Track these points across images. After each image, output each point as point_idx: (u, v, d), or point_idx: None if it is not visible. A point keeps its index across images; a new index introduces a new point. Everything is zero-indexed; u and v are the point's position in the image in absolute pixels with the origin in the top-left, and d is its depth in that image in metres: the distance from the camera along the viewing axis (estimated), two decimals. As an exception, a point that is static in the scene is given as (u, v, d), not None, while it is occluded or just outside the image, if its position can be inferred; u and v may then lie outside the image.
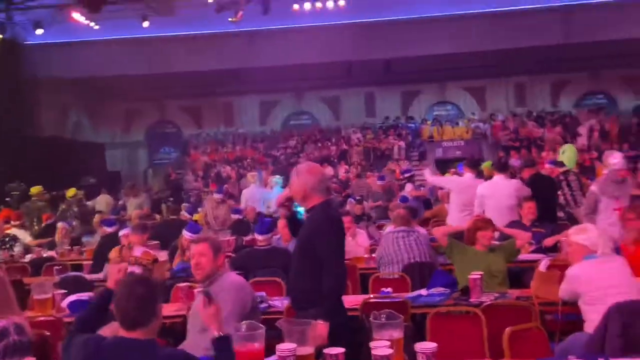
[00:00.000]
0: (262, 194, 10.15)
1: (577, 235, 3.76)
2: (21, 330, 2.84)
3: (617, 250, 4.26)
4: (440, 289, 4.46)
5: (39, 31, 15.55)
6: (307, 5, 16.93)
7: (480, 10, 17.22)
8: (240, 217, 8.75)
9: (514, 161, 14.49)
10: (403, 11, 17.53)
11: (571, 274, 3.63)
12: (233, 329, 2.65)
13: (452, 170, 9.97)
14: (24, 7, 15.13)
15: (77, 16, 13.85)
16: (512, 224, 6.11)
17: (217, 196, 8.86)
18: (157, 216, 10.62)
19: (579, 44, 17.37)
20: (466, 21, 17.33)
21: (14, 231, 7.76)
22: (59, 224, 8.40)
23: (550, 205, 6.70)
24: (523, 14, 17.41)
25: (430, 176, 7.98)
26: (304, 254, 3.31)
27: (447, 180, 7.94)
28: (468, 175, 7.28)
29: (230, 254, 6.06)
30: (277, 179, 10.31)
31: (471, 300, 4.08)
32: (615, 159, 6.09)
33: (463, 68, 19.57)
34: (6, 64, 15.71)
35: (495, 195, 6.63)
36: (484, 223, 5.02)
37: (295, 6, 16.90)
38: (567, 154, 7.26)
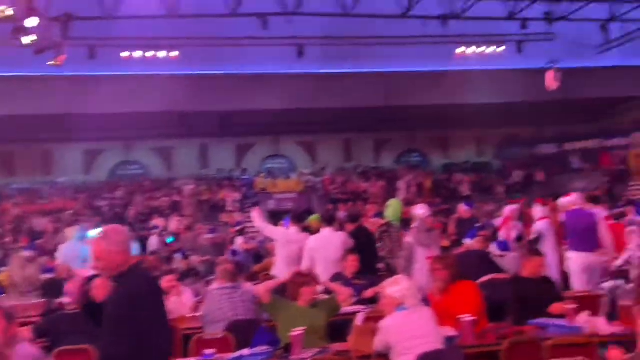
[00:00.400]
0: (81, 249, 9.35)
1: (390, 288, 3.92)
2: None
3: (425, 300, 4.51)
4: (263, 348, 4.35)
5: None
6: (138, 54, 16.50)
7: (311, 71, 18.07)
8: (53, 276, 7.96)
9: (342, 214, 15.09)
10: (236, 66, 17.79)
11: (383, 326, 3.74)
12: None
13: (281, 223, 10.09)
14: None
15: None
16: (336, 277, 6.25)
17: (25, 253, 7.97)
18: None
19: (397, 107, 18.99)
20: (296, 80, 18.06)
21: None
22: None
23: (370, 258, 6.98)
24: (351, 76, 18.61)
25: (260, 221, 7.85)
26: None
27: (274, 230, 7.90)
28: (293, 229, 7.37)
29: (37, 319, 5.44)
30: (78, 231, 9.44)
31: (292, 357, 4.03)
32: (421, 210, 6.68)
33: (296, 123, 20.29)
34: None
35: (324, 248, 6.78)
36: (306, 278, 5.05)
37: (125, 54, 16.37)
38: (393, 208, 7.70)
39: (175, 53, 17.01)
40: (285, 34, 16.03)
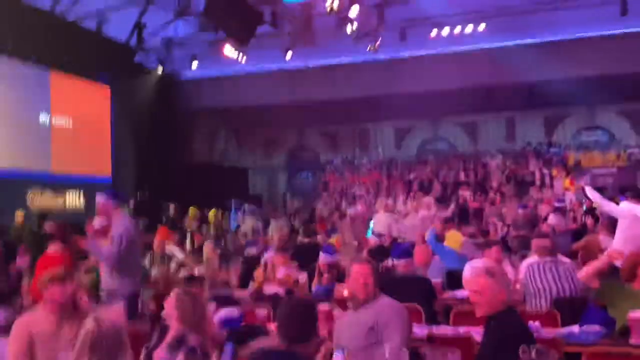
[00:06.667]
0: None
1: None
2: (193, 352, 3.11)
3: None
4: (596, 327, 4.16)
5: (194, 65, 16.97)
6: (446, 31, 16.78)
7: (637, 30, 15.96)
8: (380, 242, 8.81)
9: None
10: (545, 33, 16.73)
11: None
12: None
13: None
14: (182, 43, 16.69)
15: (228, 50, 14.91)
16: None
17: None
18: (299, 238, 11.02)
19: None
20: (618, 41, 16.15)
21: (171, 248, 8.44)
22: (206, 243, 9.01)
23: None
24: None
25: (596, 195, 7.19)
26: None
27: (616, 207, 7.10)
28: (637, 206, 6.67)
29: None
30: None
31: (632, 341, 3.76)
32: None
33: (616, 91, 18.18)
34: (164, 97, 17.40)
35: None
36: (642, 258, 4.60)
37: (433, 33, 16.83)
38: None
39: (482, 26, 16.82)
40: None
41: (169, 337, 3.26)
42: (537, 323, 4.52)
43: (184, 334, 3.20)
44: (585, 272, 4.96)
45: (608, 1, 14.94)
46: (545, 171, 17.64)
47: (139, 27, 15.50)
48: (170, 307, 3.35)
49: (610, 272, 4.97)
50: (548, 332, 4.22)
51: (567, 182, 14.64)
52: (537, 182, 17.16)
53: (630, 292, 4.45)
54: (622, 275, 4.63)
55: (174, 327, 3.30)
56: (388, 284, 5.46)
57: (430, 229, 8.03)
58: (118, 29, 15.35)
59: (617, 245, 6.51)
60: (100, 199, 5.82)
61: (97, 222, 6.05)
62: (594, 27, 16.07)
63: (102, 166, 15.47)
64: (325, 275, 6.16)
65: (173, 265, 8.10)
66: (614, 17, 15.06)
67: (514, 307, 3.17)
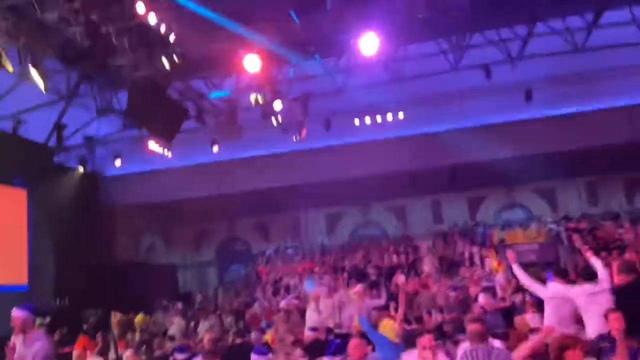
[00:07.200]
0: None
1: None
2: None
3: None
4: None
5: (118, 162, 16.64)
6: (368, 120, 17.42)
7: (541, 115, 17.22)
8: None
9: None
10: (461, 121, 17.73)
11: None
12: None
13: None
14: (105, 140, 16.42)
15: (153, 146, 14.76)
16: (601, 337, 5.64)
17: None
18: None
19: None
20: (525, 125, 17.34)
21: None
22: (126, 353, 8.42)
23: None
24: (587, 115, 17.26)
25: (525, 278, 7.35)
26: None
27: (541, 286, 7.26)
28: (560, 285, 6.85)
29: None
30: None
31: None
32: None
33: (530, 170, 19.25)
34: (85, 196, 16.83)
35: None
36: (573, 341, 4.64)
37: (356, 121, 17.43)
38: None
39: (401, 115, 17.61)
40: (510, 80, 15.63)
41: None
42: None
43: None
44: (520, 353, 4.94)
45: (514, 90, 16.15)
46: (474, 250, 18.03)
47: (58, 126, 15.17)
48: None
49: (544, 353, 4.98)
50: None
51: (495, 263, 14.99)
52: (467, 262, 17.47)
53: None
54: (551, 356, 4.63)
55: None
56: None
57: (360, 317, 7.90)
58: (36, 130, 14.96)
59: (547, 323, 6.61)
60: (17, 313, 5.55)
61: (17, 339, 5.62)
62: (504, 113, 17.22)
63: (18, 274, 14.54)
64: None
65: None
66: (520, 105, 16.28)
67: None
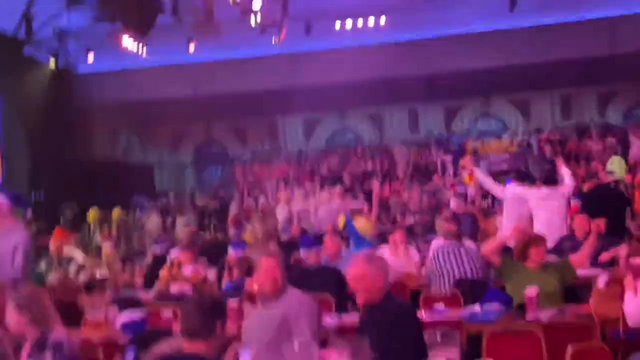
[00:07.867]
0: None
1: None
2: (60, 347, 2.97)
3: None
4: (495, 305, 4.37)
5: (91, 58, 16.12)
6: (349, 24, 17.02)
7: (524, 25, 17.01)
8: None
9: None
10: (443, 28, 17.43)
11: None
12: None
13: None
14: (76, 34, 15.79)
15: (126, 42, 14.29)
16: (566, 238, 5.96)
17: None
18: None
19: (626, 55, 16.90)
20: (507, 35, 17.17)
21: (70, 250, 7.99)
22: (105, 244, 8.61)
23: (615, 217, 6.43)
24: (568, 25, 17.10)
25: (483, 176, 7.67)
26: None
27: (499, 187, 7.61)
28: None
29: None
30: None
31: (528, 318, 3.98)
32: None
33: (506, 82, 19.30)
34: (59, 91, 16.40)
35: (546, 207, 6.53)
36: (536, 239, 4.90)
37: (337, 25, 17.01)
38: (618, 164, 7.11)
39: (382, 20, 17.22)
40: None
41: (27, 346, 3.13)
42: (441, 304, 4.71)
43: (43, 334, 3.08)
44: (489, 247, 5.19)
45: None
46: (447, 158, 18.38)
47: (27, 17, 14.49)
48: (14, 317, 3.18)
49: (506, 250, 5.26)
50: (451, 313, 4.39)
51: (467, 177, 15.32)
52: (440, 171, 17.86)
53: (525, 270, 4.72)
54: (515, 255, 4.91)
55: (30, 333, 3.15)
56: (299, 277, 5.49)
57: (345, 214, 8.18)
58: (4, 20, 14.29)
59: (506, 226, 6.96)
60: (-2, 198, 5.27)
61: None
62: (485, 22, 16.96)
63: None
64: (235, 270, 6.08)
65: (72, 269, 7.67)
66: (503, 13, 16.01)
67: (391, 293, 3.21)
